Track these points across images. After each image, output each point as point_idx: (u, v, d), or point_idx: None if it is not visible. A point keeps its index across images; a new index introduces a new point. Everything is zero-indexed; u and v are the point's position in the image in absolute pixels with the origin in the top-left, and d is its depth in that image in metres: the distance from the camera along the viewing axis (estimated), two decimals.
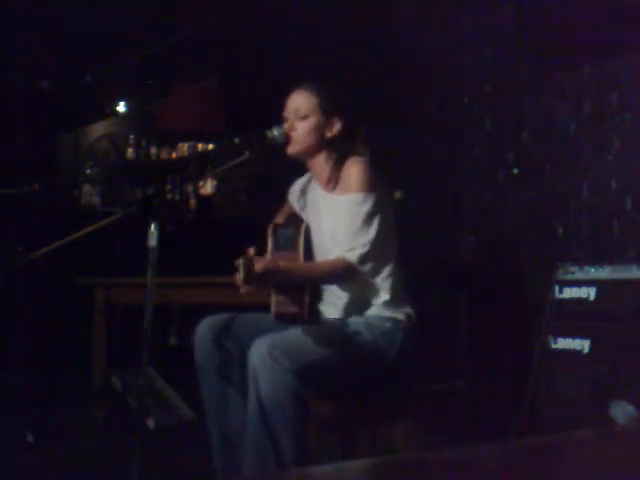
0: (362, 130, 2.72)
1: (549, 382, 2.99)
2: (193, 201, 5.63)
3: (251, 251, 2.47)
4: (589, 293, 2.95)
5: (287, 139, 2.63)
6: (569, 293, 3.01)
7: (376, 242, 2.55)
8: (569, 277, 3.02)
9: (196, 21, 5.21)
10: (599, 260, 3.00)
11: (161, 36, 5.38)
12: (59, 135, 6.44)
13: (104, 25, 5.14)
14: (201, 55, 5.51)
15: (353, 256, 2.53)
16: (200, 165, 5.67)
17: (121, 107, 6.60)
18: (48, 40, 5.18)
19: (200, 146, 5.87)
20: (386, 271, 2.63)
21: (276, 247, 2.66)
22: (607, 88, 3.36)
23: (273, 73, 4.96)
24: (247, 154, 2.59)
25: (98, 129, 6.74)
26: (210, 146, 5.83)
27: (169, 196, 5.53)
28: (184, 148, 5.96)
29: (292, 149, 2.65)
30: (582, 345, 2.92)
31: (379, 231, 2.56)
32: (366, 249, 2.53)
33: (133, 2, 4.99)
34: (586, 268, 2.99)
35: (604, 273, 2.94)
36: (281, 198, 2.95)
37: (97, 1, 4.96)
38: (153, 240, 2.30)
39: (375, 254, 2.56)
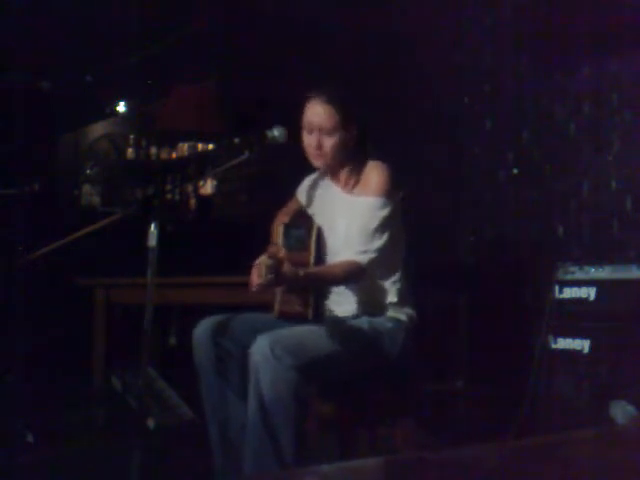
0: (370, 130, 2.76)
1: (549, 382, 2.99)
2: (193, 201, 5.64)
3: (281, 252, 2.47)
4: (589, 293, 2.95)
5: (309, 153, 2.64)
6: (569, 293, 3.01)
7: (387, 248, 2.59)
8: (569, 277, 3.02)
9: (196, 21, 5.21)
10: (599, 260, 3.00)
11: (161, 36, 5.38)
12: (59, 135, 6.44)
13: (104, 25, 5.14)
14: (201, 55, 5.51)
15: (364, 259, 2.56)
16: (200, 165, 5.67)
17: (121, 107, 6.60)
18: (48, 40, 5.18)
19: (200, 146, 5.88)
20: (395, 275, 2.67)
21: (287, 247, 2.66)
22: (607, 88, 3.36)
23: (273, 73, 4.96)
24: (247, 154, 2.60)
25: (98, 129, 6.75)
26: (210, 146, 5.83)
27: (169, 196, 5.53)
28: (184, 148, 5.97)
29: (320, 163, 2.68)
30: (582, 345, 2.92)
31: (392, 237, 2.60)
32: (377, 254, 2.57)
33: (133, 2, 4.99)
34: (586, 268, 2.99)
35: (604, 273, 2.94)
36: (281, 198, 2.95)
37: (97, 1, 4.96)
38: (153, 240, 2.30)
39: (385, 259, 2.60)
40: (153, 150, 6.26)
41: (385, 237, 2.58)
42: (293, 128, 2.65)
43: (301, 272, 2.49)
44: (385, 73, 4.31)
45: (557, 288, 3.04)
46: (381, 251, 2.57)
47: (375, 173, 2.63)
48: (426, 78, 4.14)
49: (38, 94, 5.48)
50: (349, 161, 2.70)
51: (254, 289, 2.43)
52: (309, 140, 2.65)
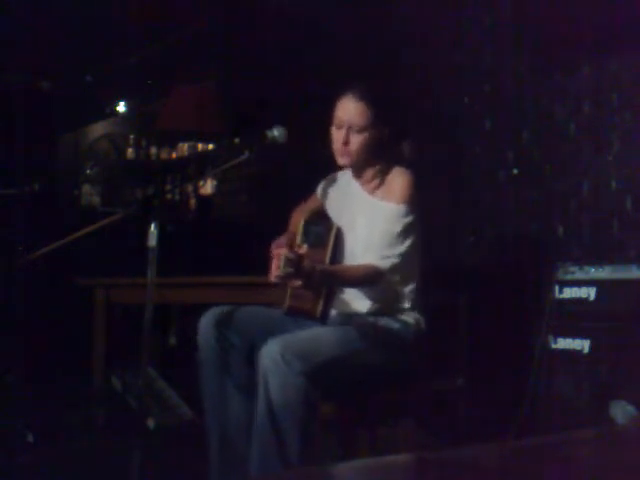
0: (406, 137, 2.76)
1: (549, 382, 2.99)
2: (193, 201, 5.64)
3: (303, 249, 2.47)
4: (589, 293, 2.95)
5: (337, 150, 2.63)
6: (569, 293, 3.01)
7: (409, 255, 2.60)
8: (569, 277, 3.02)
9: (196, 21, 5.21)
10: (599, 260, 3.00)
11: (161, 36, 5.39)
12: (59, 135, 6.44)
13: (104, 25, 5.15)
14: (201, 55, 5.52)
15: (385, 264, 2.56)
16: (200, 165, 5.67)
17: (121, 107, 6.60)
18: (48, 40, 5.18)
19: (200, 146, 5.88)
20: (412, 281, 2.67)
21: (305, 243, 2.66)
22: (607, 88, 3.36)
23: (273, 73, 4.96)
24: (247, 154, 2.60)
25: (98, 129, 6.76)
26: (210, 146, 5.84)
27: (169, 196, 5.53)
28: (184, 148, 5.97)
29: (346, 161, 2.67)
30: (582, 345, 2.92)
31: (412, 246, 2.61)
32: (398, 260, 2.57)
33: (133, 2, 4.99)
34: (586, 268, 2.99)
35: (604, 273, 2.94)
36: (281, 198, 2.95)
37: (97, 1, 4.96)
38: (153, 240, 2.30)
39: (405, 266, 2.60)
40: (153, 150, 6.27)
41: (407, 243, 2.59)
42: (293, 128, 2.65)
43: (318, 268, 2.49)
44: (385, 73, 4.30)
45: (557, 288, 3.04)
46: (403, 257, 2.58)
47: (400, 180, 2.63)
48: (426, 78, 4.14)
49: (38, 94, 5.48)
50: (375, 162, 2.69)
51: (272, 279, 2.44)
52: (337, 136, 2.64)
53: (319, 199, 2.90)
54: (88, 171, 5.92)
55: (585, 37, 3.35)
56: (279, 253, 2.38)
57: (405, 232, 2.59)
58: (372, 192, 2.70)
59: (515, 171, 3.73)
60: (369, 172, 2.71)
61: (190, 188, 5.68)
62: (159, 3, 5.01)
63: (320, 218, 2.80)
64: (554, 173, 3.57)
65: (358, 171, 2.73)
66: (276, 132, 2.60)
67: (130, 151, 6.33)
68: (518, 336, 3.40)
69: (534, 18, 3.60)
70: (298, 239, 2.69)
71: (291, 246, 2.51)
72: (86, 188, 5.84)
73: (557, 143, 3.56)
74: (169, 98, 5.35)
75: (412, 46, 4.19)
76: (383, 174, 2.69)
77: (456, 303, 3.64)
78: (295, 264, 2.34)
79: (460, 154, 3.99)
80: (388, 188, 2.66)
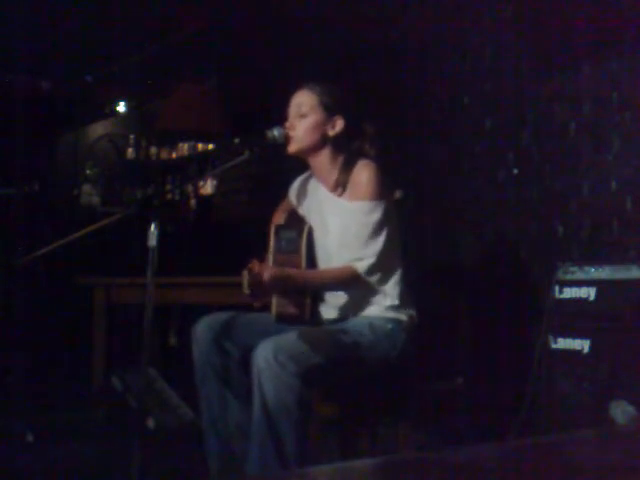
0: (369, 130, 2.71)
1: (549, 382, 2.99)
2: (193, 201, 5.64)
3: (256, 266, 2.48)
4: (589, 293, 2.95)
5: (287, 138, 2.62)
6: (569, 293, 3.01)
7: (385, 251, 2.55)
8: (569, 277, 3.02)
9: (196, 21, 5.22)
10: (599, 260, 3.00)
11: (161, 36, 5.39)
12: (59, 135, 6.45)
13: (104, 25, 5.15)
14: (201, 55, 5.52)
15: (362, 266, 2.53)
16: (200, 165, 5.67)
17: (121, 107, 6.60)
18: (48, 40, 5.18)
19: (200, 146, 5.88)
20: (395, 278, 2.62)
21: (278, 249, 2.66)
22: (607, 88, 3.36)
23: (273, 73, 4.96)
24: (247, 154, 2.59)
25: (98, 129, 6.75)
26: (210, 146, 5.84)
27: (169, 196, 5.54)
28: (184, 148, 5.97)
29: (292, 148, 2.63)
30: (582, 345, 2.92)
31: (388, 240, 2.56)
32: (375, 259, 2.53)
33: (133, 2, 4.99)
34: (586, 268, 2.99)
35: (604, 273, 2.94)
36: (281, 198, 2.95)
37: (97, 1, 4.97)
38: (153, 240, 2.30)
39: (384, 263, 2.56)
40: (153, 150, 6.27)
41: (381, 240, 2.54)
42: None
43: (289, 273, 2.50)
44: (386, 73, 4.31)
45: (557, 288, 3.04)
46: (379, 255, 2.53)
47: (364, 174, 2.56)
48: (426, 78, 4.14)
49: (38, 94, 5.48)
50: (336, 161, 2.64)
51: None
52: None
53: (291, 201, 2.88)
54: (88, 171, 5.92)
55: (585, 37, 3.35)
56: (243, 273, 2.47)
57: (378, 228, 2.54)
58: (340, 194, 2.64)
59: (515, 171, 3.73)
60: (330, 171, 2.65)
61: (190, 188, 5.68)
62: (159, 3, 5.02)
63: (292, 221, 2.78)
64: (554, 173, 3.57)
65: (320, 173, 2.68)
66: (276, 132, 2.60)
67: (130, 151, 6.33)
68: (518, 336, 3.40)
69: (534, 18, 3.60)
70: (271, 246, 2.68)
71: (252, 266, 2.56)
72: (86, 188, 5.83)
73: (557, 143, 3.56)
74: (169, 98, 5.35)
75: (413, 46, 4.19)
76: (347, 172, 2.62)
77: (456, 303, 3.64)
78: (251, 286, 2.45)
79: (460, 154, 3.99)
80: (353, 186, 2.59)
